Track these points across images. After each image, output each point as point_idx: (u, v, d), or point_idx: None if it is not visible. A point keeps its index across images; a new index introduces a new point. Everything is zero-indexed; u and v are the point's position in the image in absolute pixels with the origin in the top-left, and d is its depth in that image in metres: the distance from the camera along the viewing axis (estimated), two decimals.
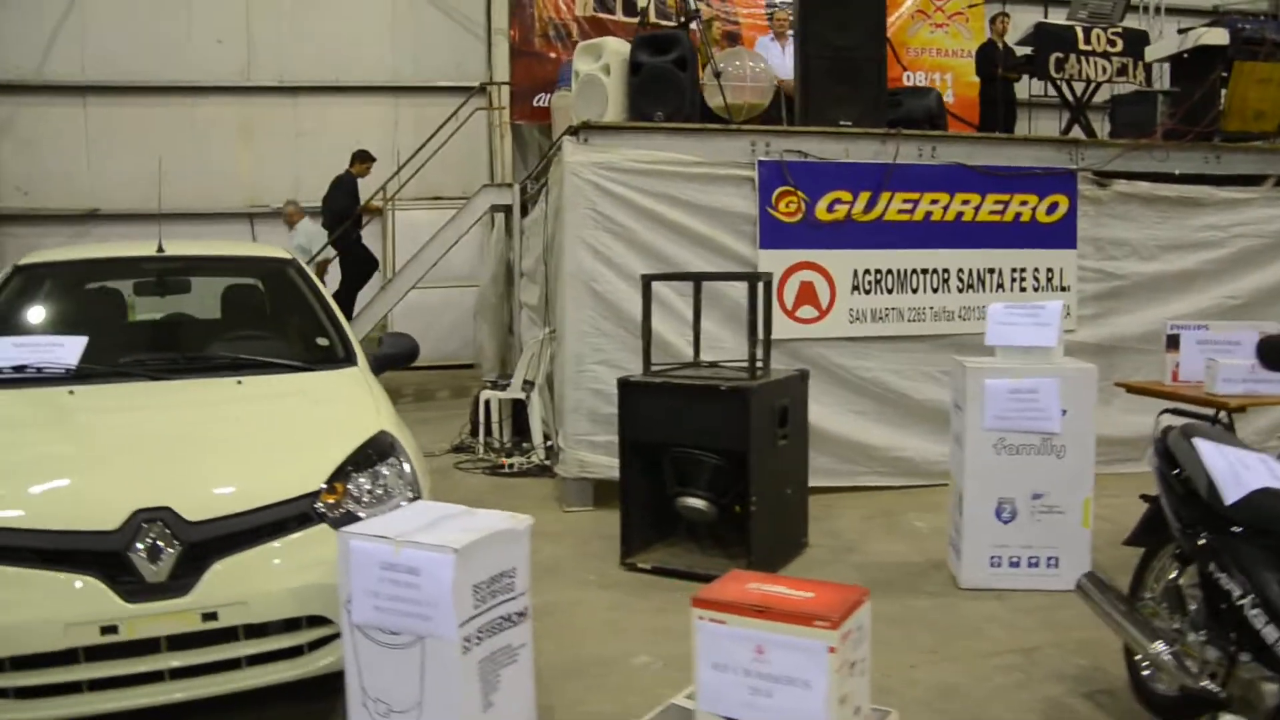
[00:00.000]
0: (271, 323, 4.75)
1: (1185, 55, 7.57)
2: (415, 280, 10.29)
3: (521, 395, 8.13)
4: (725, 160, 6.56)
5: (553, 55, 12.03)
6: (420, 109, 13.07)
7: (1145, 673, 3.59)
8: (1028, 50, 8.25)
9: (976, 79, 10.59)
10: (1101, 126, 8.73)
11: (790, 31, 9.75)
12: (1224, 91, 7.49)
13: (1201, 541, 3.09)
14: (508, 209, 10.62)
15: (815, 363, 6.44)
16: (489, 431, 8.36)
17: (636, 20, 11.57)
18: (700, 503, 5.24)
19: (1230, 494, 3.00)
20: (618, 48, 6.99)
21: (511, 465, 7.76)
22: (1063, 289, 6.98)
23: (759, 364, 5.31)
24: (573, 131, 6.44)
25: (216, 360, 4.12)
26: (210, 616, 3.04)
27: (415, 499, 3.56)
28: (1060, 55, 7.64)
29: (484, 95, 12.51)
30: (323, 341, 4.44)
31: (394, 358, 4.52)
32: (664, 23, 11.33)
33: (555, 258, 6.96)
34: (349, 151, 11.20)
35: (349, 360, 4.30)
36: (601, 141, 6.40)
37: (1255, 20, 7.42)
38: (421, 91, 13.35)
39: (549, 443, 7.78)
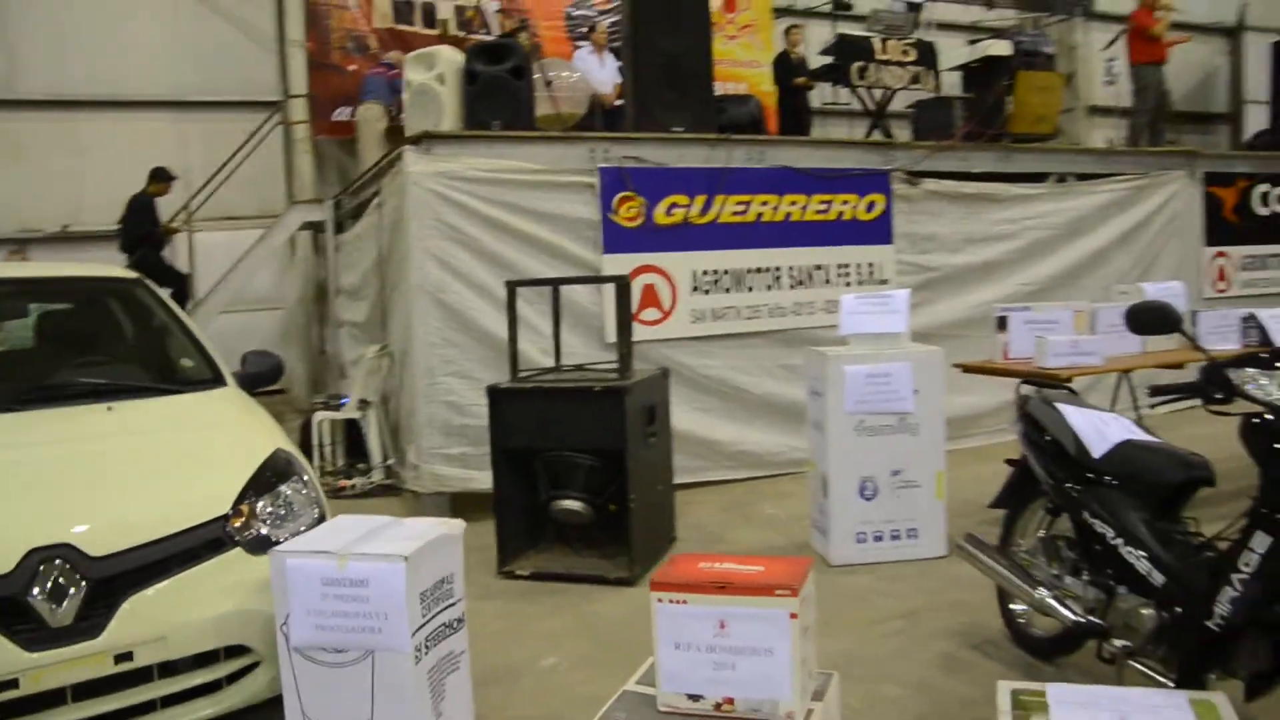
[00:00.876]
0: (129, 346, 4.39)
1: (975, 65, 8.28)
2: (225, 303, 9.77)
3: (358, 415, 7.88)
4: (566, 167, 6.63)
5: (351, 68, 11.70)
6: (209, 125, 12.34)
7: (1021, 620, 3.93)
8: (828, 60, 8.74)
9: (770, 88, 11.12)
10: (900, 132, 9.37)
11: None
12: (1010, 98, 8.24)
13: (1075, 493, 3.43)
14: (318, 226, 10.26)
15: (661, 363, 6.58)
16: (322, 455, 8.06)
17: (436, 33, 11.50)
18: (576, 504, 5.25)
19: (1097, 449, 3.37)
20: (451, 56, 6.93)
21: (353, 486, 7.51)
22: (883, 282, 7.46)
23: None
24: (413, 141, 6.32)
25: (76, 387, 3.77)
26: (125, 658, 2.81)
27: (321, 516, 3.43)
28: (862, 64, 8.15)
29: (280, 110, 11.98)
30: (187, 362, 4.18)
31: (260, 376, 4.31)
32: (465, 35, 11.32)
33: (396, 270, 6.80)
34: (135, 171, 10.45)
35: (218, 381, 4.08)
36: (443, 151, 6.32)
37: (1031, 34, 8.21)
38: (210, 107, 12.59)
39: (388, 461, 7.59)
